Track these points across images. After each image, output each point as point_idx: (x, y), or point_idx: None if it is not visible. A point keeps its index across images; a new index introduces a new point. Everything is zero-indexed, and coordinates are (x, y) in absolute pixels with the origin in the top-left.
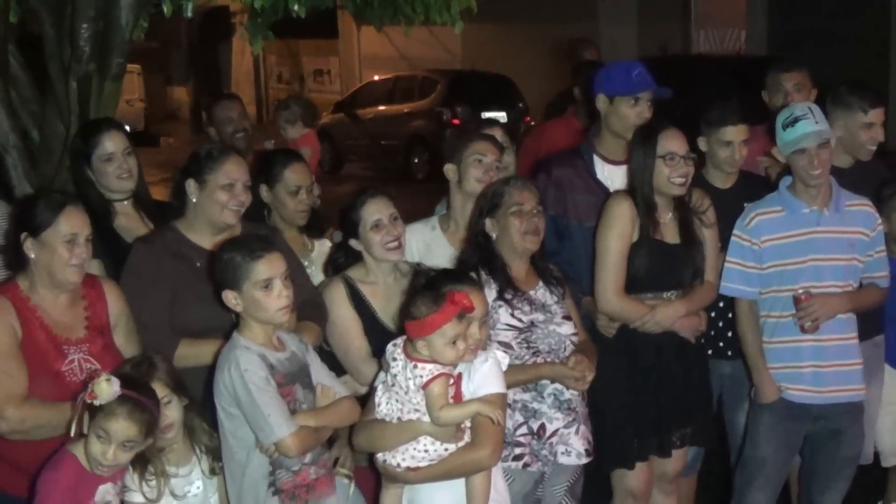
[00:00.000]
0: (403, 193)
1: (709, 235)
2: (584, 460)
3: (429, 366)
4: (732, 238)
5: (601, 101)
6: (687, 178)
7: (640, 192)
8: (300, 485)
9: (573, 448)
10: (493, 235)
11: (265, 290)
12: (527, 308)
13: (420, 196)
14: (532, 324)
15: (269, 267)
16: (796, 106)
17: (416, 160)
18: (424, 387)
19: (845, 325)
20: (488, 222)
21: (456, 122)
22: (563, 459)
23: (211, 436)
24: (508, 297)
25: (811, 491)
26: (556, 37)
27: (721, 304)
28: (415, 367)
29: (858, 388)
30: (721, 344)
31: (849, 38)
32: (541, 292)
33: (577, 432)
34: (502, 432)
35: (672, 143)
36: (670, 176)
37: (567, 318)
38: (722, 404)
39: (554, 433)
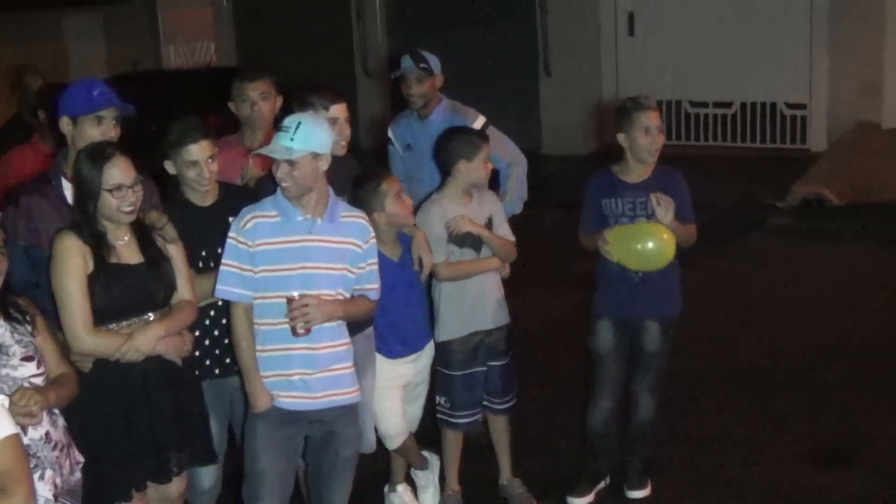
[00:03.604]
0: None
1: (174, 251)
2: None
3: None
4: (228, 240)
5: (65, 123)
6: (135, 205)
7: (84, 224)
8: None
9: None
10: None
11: None
12: None
13: None
14: None
15: None
16: (291, 118)
17: None
18: None
19: (336, 333)
20: None
21: None
22: None
23: None
24: None
25: (318, 491)
26: (20, 58)
27: (224, 322)
28: None
29: (350, 391)
30: (228, 360)
31: (315, 41)
32: None
33: (41, 478)
34: (30, 475)
35: (118, 172)
36: (119, 206)
37: (29, 358)
38: (233, 419)
39: None
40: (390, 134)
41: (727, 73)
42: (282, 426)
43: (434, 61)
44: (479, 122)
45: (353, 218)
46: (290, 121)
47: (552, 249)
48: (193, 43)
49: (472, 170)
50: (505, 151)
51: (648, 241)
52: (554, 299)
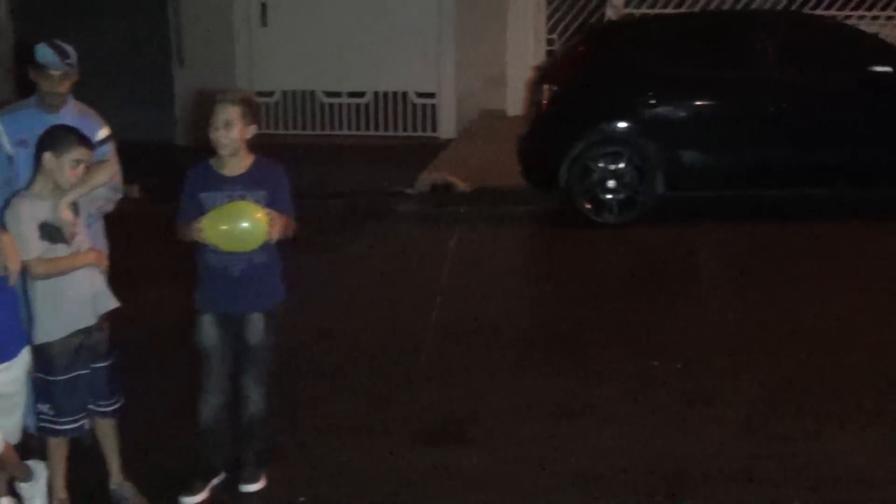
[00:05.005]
0: None
1: None
2: None
3: None
4: None
5: None
6: None
7: None
8: None
9: None
10: None
11: None
12: None
13: None
14: None
15: None
16: None
17: None
18: None
19: None
20: None
21: None
22: None
23: None
24: None
25: None
26: None
27: None
28: None
29: None
30: None
31: None
32: None
33: None
34: None
35: None
36: None
37: None
38: None
39: None
40: None
41: (360, 63)
42: None
43: (74, 55)
44: (104, 131)
45: None
46: None
47: (173, 243)
48: None
49: (56, 167)
50: (116, 173)
51: (242, 222)
52: (169, 296)
